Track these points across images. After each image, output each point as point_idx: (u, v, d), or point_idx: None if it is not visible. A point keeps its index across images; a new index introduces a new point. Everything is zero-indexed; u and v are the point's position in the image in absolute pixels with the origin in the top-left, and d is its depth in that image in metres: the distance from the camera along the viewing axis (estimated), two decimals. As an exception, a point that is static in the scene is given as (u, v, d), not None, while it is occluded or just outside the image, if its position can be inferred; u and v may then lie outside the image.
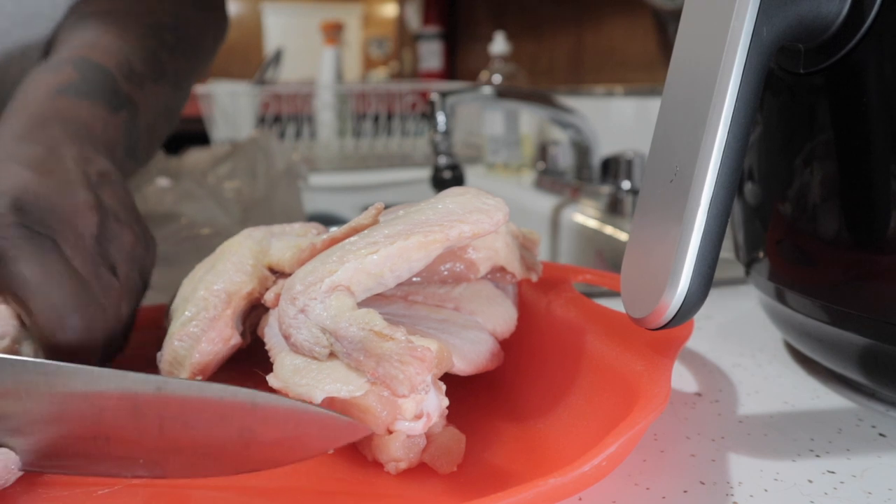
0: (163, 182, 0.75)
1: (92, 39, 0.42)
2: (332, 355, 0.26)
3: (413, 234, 0.27)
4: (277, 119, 1.39)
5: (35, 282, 0.28)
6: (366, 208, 0.30)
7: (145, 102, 0.42)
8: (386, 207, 0.31)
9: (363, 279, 0.27)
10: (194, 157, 0.83)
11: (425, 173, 0.92)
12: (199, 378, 0.30)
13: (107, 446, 0.25)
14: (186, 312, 0.31)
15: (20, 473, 0.25)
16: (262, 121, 1.39)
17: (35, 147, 0.33)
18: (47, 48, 0.46)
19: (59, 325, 0.29)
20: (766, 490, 0.26)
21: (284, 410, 0.24)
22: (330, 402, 0.25)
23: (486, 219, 0.28)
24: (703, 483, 0.27)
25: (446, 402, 0.26)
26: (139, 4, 0.47)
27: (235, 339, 0.31)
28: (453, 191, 0.30)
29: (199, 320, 0.31)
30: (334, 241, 0.29)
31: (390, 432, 0.25)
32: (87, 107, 0.37)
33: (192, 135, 1.37)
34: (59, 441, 0.25)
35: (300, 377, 0.25)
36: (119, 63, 0.41)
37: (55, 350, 0.29)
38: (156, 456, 0.25)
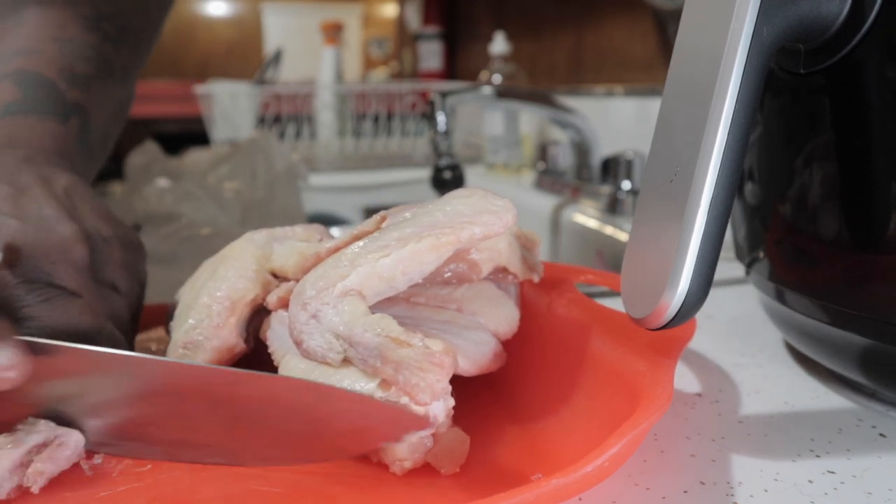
0: (163, 182, 0.75)
1: (29, 44, 0.40)
2: (345, 361, 0.25)
3: (424, 236, 0.27)
4: (277, 119, 1.39)
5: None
6: (366, 209, 0.30)
7: (95, 103, 0.41)
8: (387, 209, 0.31)
9: (375, 283, 0.26)
10: (194, 157, 0.83)
11: (425, 173, 0.92)
12: None
13: (184, 433, 0.26)
14: (190, 320, 0.30)
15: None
16: (262, 121, 1.39)
17: (1, 187, 0.31)
18: None
19: None
20: (766, 490, 0.26)
21: (352, 403, 0.24)
22: None
23: (496, 220, 0.28)
24: (703, 483, 0.27)
25: (452, 402, 0.26)
26: None
27: (240, 347, 0.31)
28: (460, 192, 0.30)
29: (203, 328, 0.30)
30: (338, 250, 0.29)
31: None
32: (35, 123, 0.37)
33: (192, 135, 1.37)
34: (132, 426, 0.26)
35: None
36: (61, 69, 0.40)
37: None
38: (230, 444, 0.26)
